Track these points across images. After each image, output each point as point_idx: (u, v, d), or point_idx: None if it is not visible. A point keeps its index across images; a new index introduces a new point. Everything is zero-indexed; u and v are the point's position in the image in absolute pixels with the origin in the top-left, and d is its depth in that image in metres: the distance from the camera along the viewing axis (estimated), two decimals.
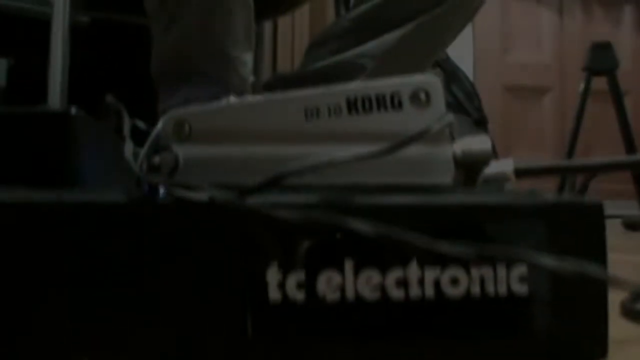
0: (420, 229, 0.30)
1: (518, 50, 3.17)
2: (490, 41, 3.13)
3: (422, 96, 0.33)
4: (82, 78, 1.50)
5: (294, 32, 2.36)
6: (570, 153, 1.98)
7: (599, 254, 0.31)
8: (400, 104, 0.33)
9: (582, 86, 2.00)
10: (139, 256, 0.30)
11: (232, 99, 0.39)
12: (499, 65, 3.14)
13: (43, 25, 1.28)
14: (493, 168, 0.42)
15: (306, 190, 0.30)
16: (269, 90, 1.16)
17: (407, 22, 1.11)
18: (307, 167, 0.29)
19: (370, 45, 1.11)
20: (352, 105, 0.32)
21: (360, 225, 0.27)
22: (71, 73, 1.24)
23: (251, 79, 1.05)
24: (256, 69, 1.42)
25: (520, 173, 0.46)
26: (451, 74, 2.54)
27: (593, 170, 0.90)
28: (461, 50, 3.05)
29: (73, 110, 0.32)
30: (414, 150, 0.33)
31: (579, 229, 0.31)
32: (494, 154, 1.49)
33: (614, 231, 2.13)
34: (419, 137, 0.32)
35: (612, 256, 0.32)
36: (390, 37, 1.11)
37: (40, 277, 0.29)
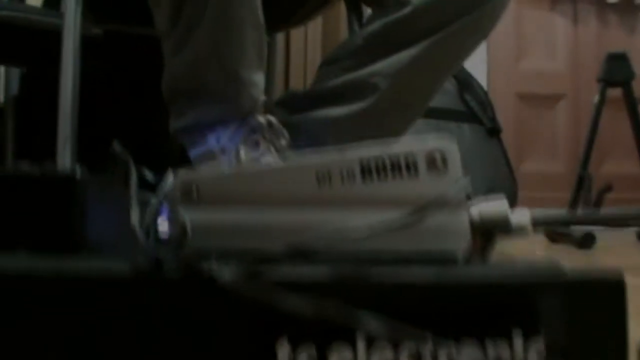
0: (436, 307, 0.29)
1: (532, 58, 3.15)
2: (504, 49, 3.11)
3: (439, 163, 0.32)
4: (94, 89, 1.50)
5: (307, 47, 2.35)
6: (584, 165, 1.96)
7: (619, 333, 0.30)
8: (416, 171, 0.32)
9: (597, 97, 1.98)
10: (143, 331, 0.29)
11: (242, 151, 0.39)
12: (513, 73, 3.12)
13: (55, 35, 1.28)
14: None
15: (318, 261, 0.30)
16: (282, 108, 1.15)
17: (420, 41, 1.10)
18: (321, 244, 0.28)
19: (384, 64, 1.10)
20: (366, 173, 0.31)
21: (371, 324, 0.26)
22: (84, 84, 1.23)
23: (262, 98, 1.04)
24: (268, 85, 1.41)
25: (537, 224, 0.44)
26: (464, 83, 2.52)
27: (606, 222, 0.88)
28: (475, 58, 3.03)
29: (78, 173, 0.31)
30: (430, 217, 0.32)
31: (599, 307, 0.30)
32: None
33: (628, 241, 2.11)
34: (435, 205, 0.31)
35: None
36: (403, 56, 1.10)
37: (38, 351, 0.28)
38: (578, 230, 1.83)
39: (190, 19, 0.96)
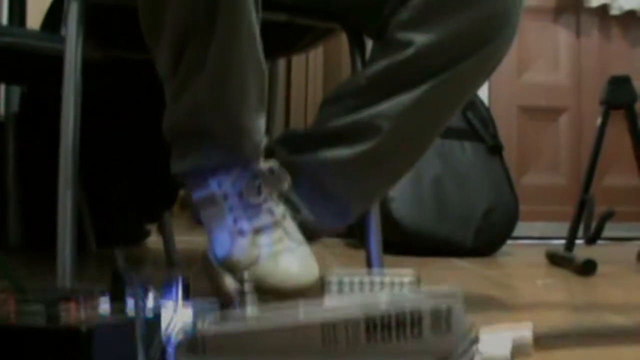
0: None
1: (534, 71, 3.14)
2: (506, 61, 3.09)
3: (443, 323, 0.31)
4: (96, 112, 1.49)
5: (307, 80, 2.34)
6: (586, 188, 1.96)
7: None
8: (420, 331, 0.31)
9: (599, 120, 1.97)
10: None
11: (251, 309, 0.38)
12: (515, 86, 3.11)
13: (56, 58, 1.28)
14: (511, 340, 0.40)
15: None
16: (283, 146, 1.15)
17: (423, 83, 1.09)
18: None
19: (387, 106, 1.10)
20: (371, 333, 0.31)
21: None
22: (85, 108, 1.23)
23: (264, 142, 1.04)
24: (268, 119, 1.40)
25: (540, 340, 0.44)
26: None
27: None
28: None
29: (83, 327, 0.31)
30: None
31: None
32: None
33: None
34: None
35: None
36: (406, 98, 1.09)
37: None
38: (580, 256, 1.82)
39: (191, 64, 0.95)
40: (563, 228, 3.02)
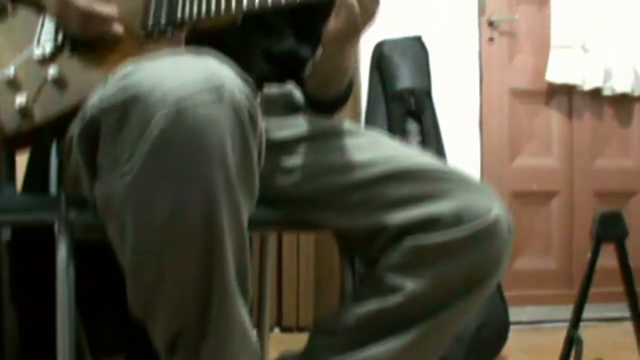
0: None
1: (526, 155, 3.16)
2: (498, 147, 3.11)
3: None
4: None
5: (299, 277, 2.35)
6: (575, 324, 1.97)
7: None
8: None
9: (589, 254, 1.98)
10: None
11: None
12: (507, 171, 3.12)
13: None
14: None
15: None
16: None
17: (413, 328, 1.10)
18: None
19: (376, 351, 1.10)
20: None
21: None
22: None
23: None
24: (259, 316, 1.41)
25: None
26: None
27: None
28: (468, 158, 3.04)
29: None
30: None
31: None
32: None
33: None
34: None
35: None
36: (395, 344, 1.11)
37: None
38: None
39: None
40: (553, 312, 3.06)
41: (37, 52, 1.16)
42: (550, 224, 3.15)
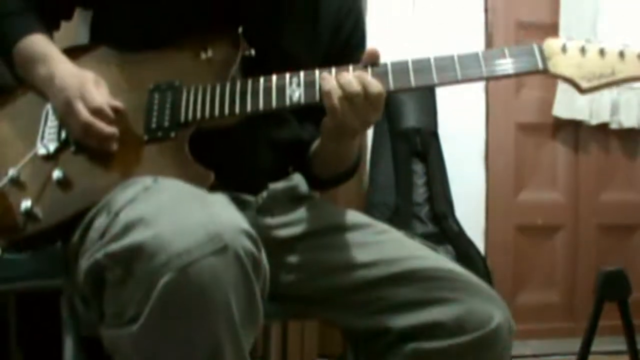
0: None
1: (531, 189, 3.15)
2: (503, 181, 3.11)
3: None
4: None
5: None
6: None
7: None
8: None
9: (592, 310, 1.98)
10: None
11: None
12: (512, 205, 3.12)
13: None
14: None
15: None
16: None
17: None
18: None
19: None
20: None
21: None
22: None
23: None
24: None
25: None
26: (464, 254, 2.52)
27: None
28: (473, 191, 3.03)
29: None
30: None
31: None
32: None
33: None
34: None
35: None
36: None
37: None
38: None
39: None
40: (556, 345, 3.06)
41: (42, 150, 1.17)
42: (554, 257, 3.14)
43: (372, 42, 3.01)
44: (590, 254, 3.14)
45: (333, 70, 1.11)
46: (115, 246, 0.87)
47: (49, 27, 1.32)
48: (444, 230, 2.60)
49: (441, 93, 2.88)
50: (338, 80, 1.08)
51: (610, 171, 3.17)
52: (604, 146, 3.17)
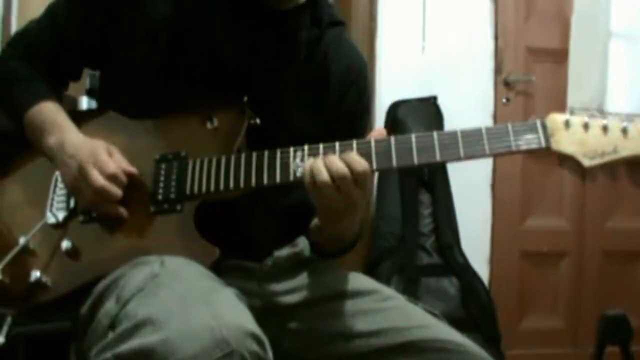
0: None
1: (538, 215, 3.16)
2: (510, 207, 3.12)
3: None
4: None
5: None
6: None
7: None
8: None
9: (593, 352, 2.01)
10: None
11: None
12: (518, 231, 3.13)
13: None
14: None
15: None
16: None
17: None
18: None
19: None
20: None
21: None
22: None
23: None
24: None
25: None
26: (468, 286, 2.54)
27: None
28: (480, 217, 3.05)
29: None
30: None
31: None
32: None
33: None
34: None
35: None
36: None
37: None
38: None
39: None
40: None
41: (51, 219, 1.19)
42: (558, 284, 3.16)
43: (385, 76, 3.01)
44: (595, 280, 3.15)
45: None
46: (124, 347, 0.89)
47: (59, 89, 1.34)
48: (448, 261, 2.62)
49: (449, 122, 2.90)
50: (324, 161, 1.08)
51: (616, 198, 3.18)
52: (611, 173, 3.17)
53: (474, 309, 2.45)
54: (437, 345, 1.17)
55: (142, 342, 0.87)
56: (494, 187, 3.10)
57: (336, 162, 1.07)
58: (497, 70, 3.11)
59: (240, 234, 1.24)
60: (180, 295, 0.94)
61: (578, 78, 3.02)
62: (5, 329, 1.13)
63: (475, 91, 3.07)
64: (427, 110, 2.85)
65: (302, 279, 1.28)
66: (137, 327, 0.90)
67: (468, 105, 3.03)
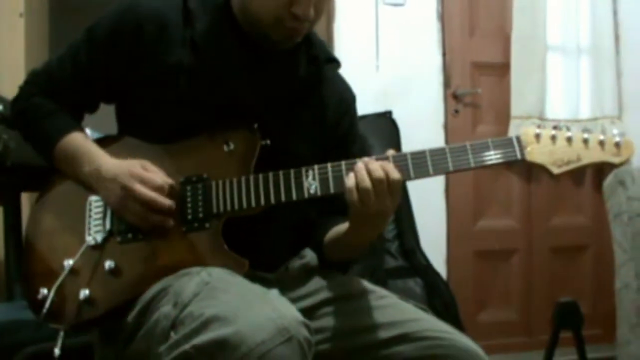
0: None
1: (489, 217, 3.38)
2: (463, 211, 3.34)
3: None
4: None
5: None
6: None
7: None
8: None
9: (549, 338, 2.22)
10: None
11: None
12: (471, 233, 3.35)
13: None
14: None
15: None
16: None
17: None
18: None
19: None
20: None
21: None
22: None
23: None
24: None
25: None
26: (431, 285, 2.74)
27: None
28: (435, 220, 3.26)
29: None
30: None
31: None
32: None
33: None
34: None
35: None
36: None
37: None
38: None
39: None
40: (516, 359, 3.32)
41: (91, 242, 1.32)
42: (510, 279, 3.39)
43: None
44: (543, 274, 3.40)
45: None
46: (202, 338, 1.03)
47: (80, 121, 1.47)
48: (412, 264, 2.82)
49: (404, 134, 3.10)
50: (366, 167, 1.26)
51: (558, 198, 3.43)
52: (554, 175, 3.42)
53: (438, 305, 2.65)
54: (429, 334, 1.32)
55: (216, 334, 1.02)
56: (447, 192, 3.32)
57: (377, 168, 1.25)
58: (446, 84, 3.32)
59: (256, 247, 1.37)
60: (239, 295, 1.10)
61: (520, 89, 3.26)
62: (59, 342, 1.26)
63: (426, 104, 3.28)
64: (384, 124, 3.05)
65: (313, 284, 1.43)
66: (205, 324, 1.04)
67: (421, 118, 3.23)
